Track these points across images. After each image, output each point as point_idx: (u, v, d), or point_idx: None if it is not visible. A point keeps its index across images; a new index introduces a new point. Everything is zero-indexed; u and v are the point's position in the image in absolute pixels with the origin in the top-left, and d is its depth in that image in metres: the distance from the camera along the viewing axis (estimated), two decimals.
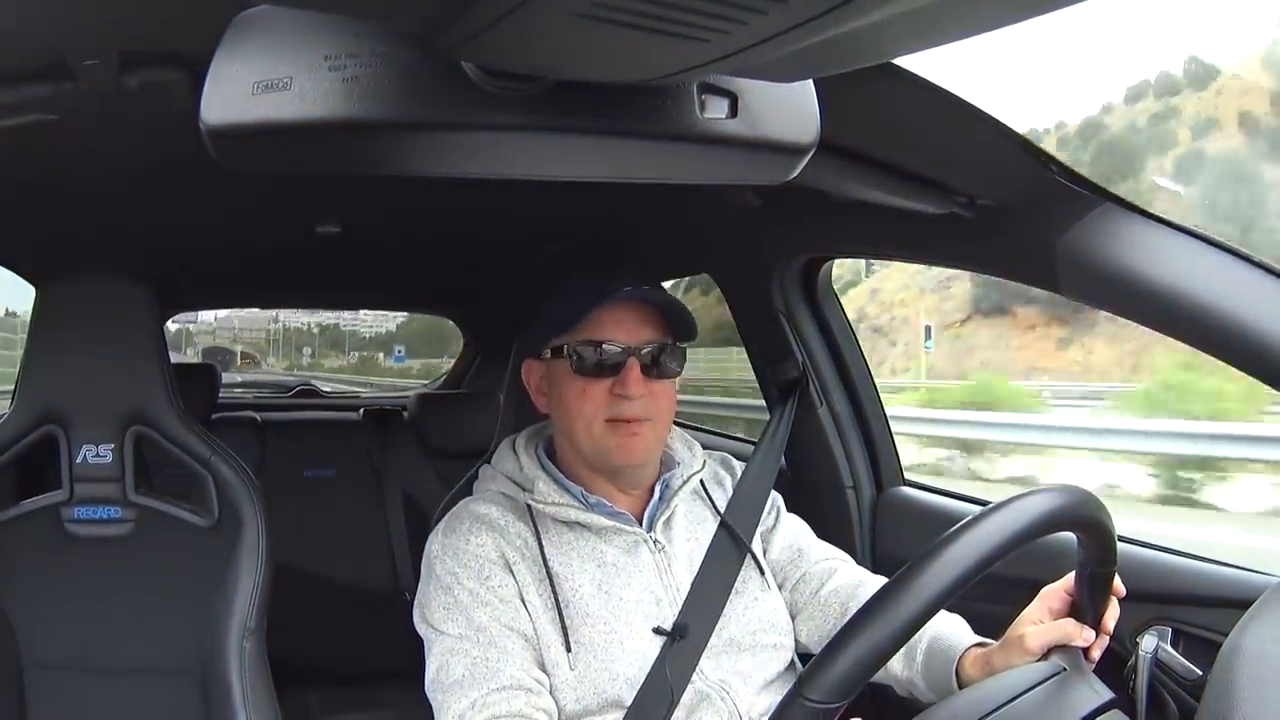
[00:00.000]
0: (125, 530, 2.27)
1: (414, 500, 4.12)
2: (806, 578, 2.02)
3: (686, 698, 1.77)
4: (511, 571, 1.78)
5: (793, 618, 1.99)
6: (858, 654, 1.25)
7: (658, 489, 1.93)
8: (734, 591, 1.90)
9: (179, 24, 1.22)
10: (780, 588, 2.02)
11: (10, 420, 2.24)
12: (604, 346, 1.81)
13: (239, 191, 2.39)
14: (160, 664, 2.23)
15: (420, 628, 1.80)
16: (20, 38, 1.29)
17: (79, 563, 2.24)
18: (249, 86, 0.99)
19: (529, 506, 1.85)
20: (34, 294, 2.42)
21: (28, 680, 2.19)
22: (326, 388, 6.58)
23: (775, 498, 2.13)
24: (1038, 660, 1.55)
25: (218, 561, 2.23)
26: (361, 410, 4.58)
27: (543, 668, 1.75)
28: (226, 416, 4.17)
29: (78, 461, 2.24)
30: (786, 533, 2.09)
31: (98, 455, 2.24)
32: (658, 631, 1.80)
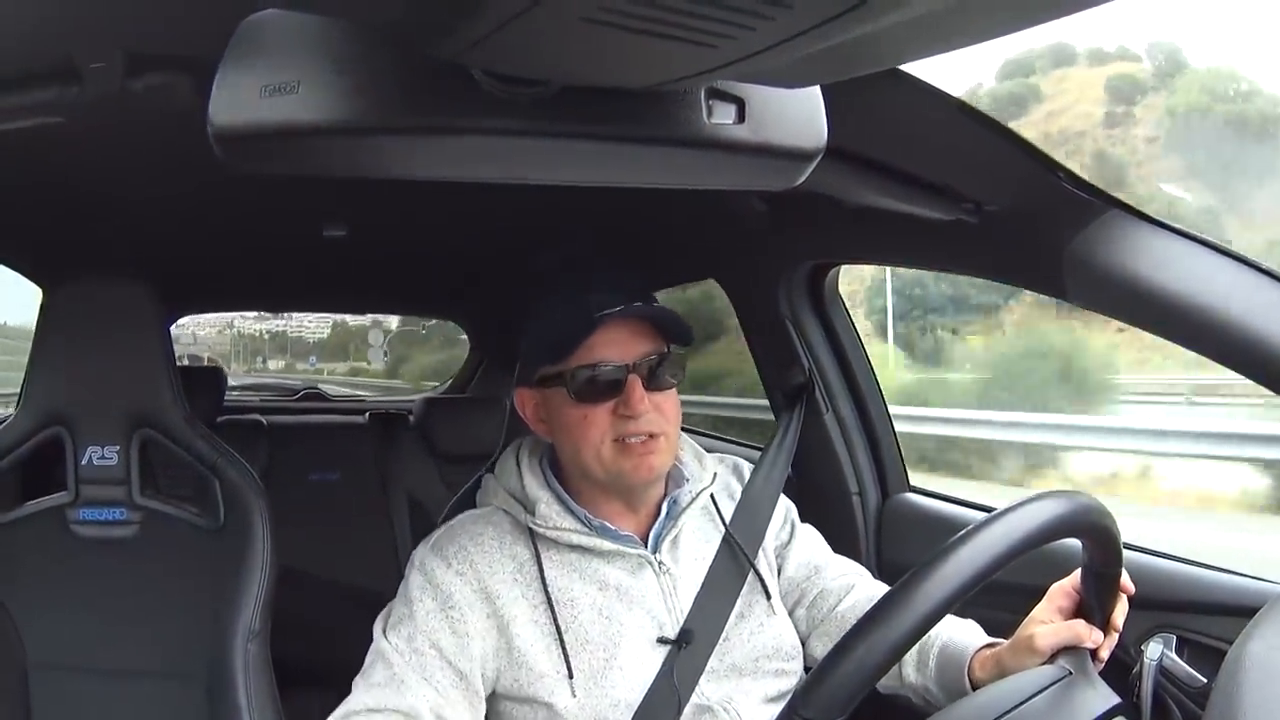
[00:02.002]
0: (130, 532, 2.26)
1: (419, 504, 4.12)
2: (824, 594, 1.98)
3: (687, 712, 1.75)
4: (491, 604, 1.74)
5: (808, 634, 1.96)
6: (854, 668, 1.24)
7: (664, 506, 1.88)
8: (739, 615, 1.87)
9: (185, 27, 1.22)
10: (797, 604, 1.99)
11: (16, 422, 2.25)
12: (601, 368, 1.75)
13: (245, 194, 2.39)
14: (165, 666, 2.23)
15: (375, 624, 1.77)
16: (27, 41, 1.29)
17: (84, 564, 2.24)
18: (257, 89, 0.99)
19: (530, 529, 1.81)
20: (38, 300, 2.42)
21: (33, 681, 2.19)
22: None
23: (789, 510, 2.09)
24: (1046, 661, 1.55)
25: (223, 564, 2.23)
26: (367, 414, 4.58)
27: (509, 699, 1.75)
28: (232, 420, 4.17)
29: (83, 463, 2.24)
30: (802, 548, 2.05)
31: (103, 457, 2.24)
32: (662, 641, 1.78)
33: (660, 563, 1.83)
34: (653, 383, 1.76)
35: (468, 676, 1.71)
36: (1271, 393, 1.56)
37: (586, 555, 1.80)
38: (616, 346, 1.75)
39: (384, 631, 1.75)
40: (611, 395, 1.75)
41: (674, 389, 1.81)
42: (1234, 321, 1.55)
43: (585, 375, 1.75)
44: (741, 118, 1.12)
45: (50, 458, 2.27)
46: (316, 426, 4.63)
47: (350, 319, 18.48)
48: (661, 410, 1.77)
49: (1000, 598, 1.57)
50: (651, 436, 1.76)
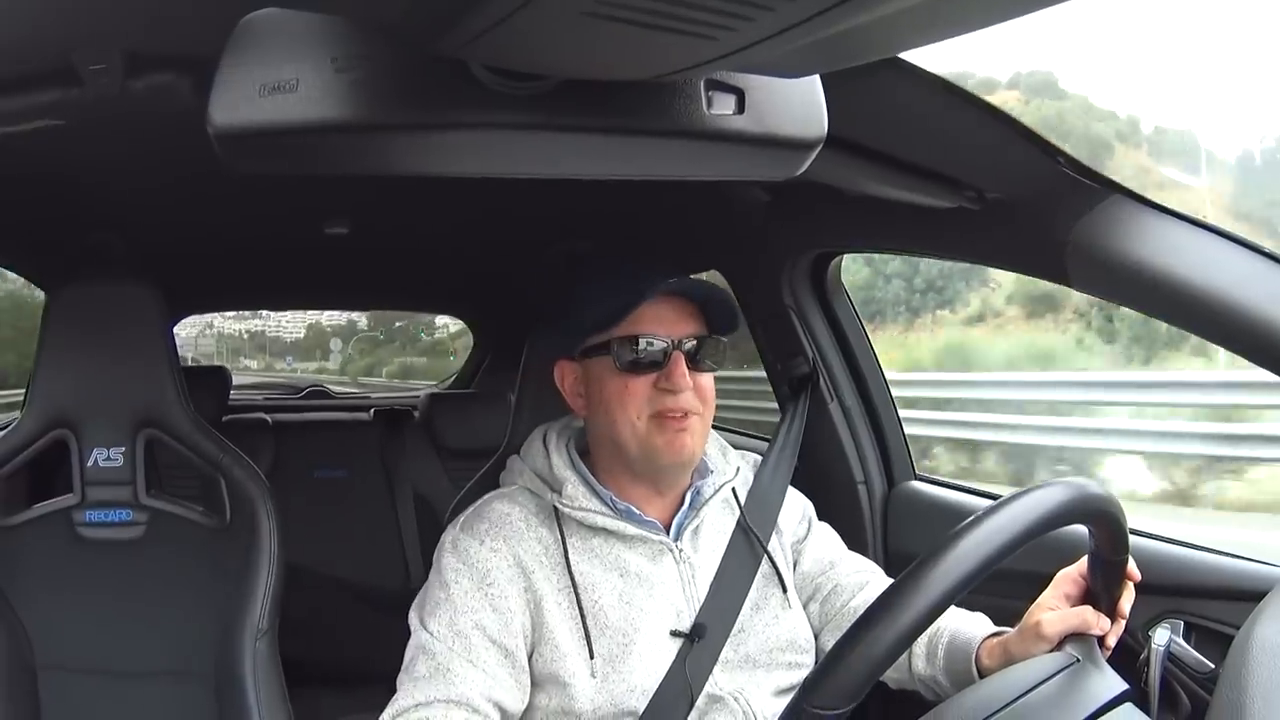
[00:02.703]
0: (137, 533, 2.27)
1: (425, 500, 4.13)
2: (838, 589, 1.99)
3: (700, 702, 1.76)
4: (526, 579, 1.77)
5: (821, 628, 1.97)
6: (862, 657, 1.23)
7: (688, 497, 1.90)
8: (754, 607, 1.88)
9: (184, 27, 1.22)
10: (810, 598, 2.00)
11: (22, 425, 2.24)
12: (646, 341, 1.78)
13: (247, 193, 2.39)
14: (173, 665, 2.23)
15: (411, 616, 1.79)
16: (27, 44, 1.29)
17: (91, 566, 2.24)
18: (256, 89, 0.99)
19: (555, 509, 1.83)
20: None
21: (41, 683, 2.20)
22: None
23: (807, 507, 2.11)
24: (1054, 648, 1.55)
25: (230, 563, 2.24)
26: (372, 410, 4.58)
27: (535, 683, 1.76)
28: (237, 418, 4.17)
29: (89, 465, 2.24)
30: (819, 544, 2.06)
31: (109, 459, 2.24)
32: (675, 634, 1.79)
33: (680, 550, 1.85)
34: (694, 363, 1.80)
35: (513, 654, 1.73)
36: (1277, 377, 1.56)
37: (609, 540, 1.82)
38: (664, 323, 1.80)
39: (422, 621, 1.76)
40: (654, 369, 1.79)
41: (712, 374, 1.84)
42: (1238, 306, 1.54)
43: (631, 346, 1.78)
44: (741, 108, 1.12)
45: (56, 460, 2.28)
46: (322, 424, 4.62)
47: (325, 322, 19.31)
48: (699, 391, 1.80)
49: (1008, 585, 1.57)
50: (687, 415, 1.78)
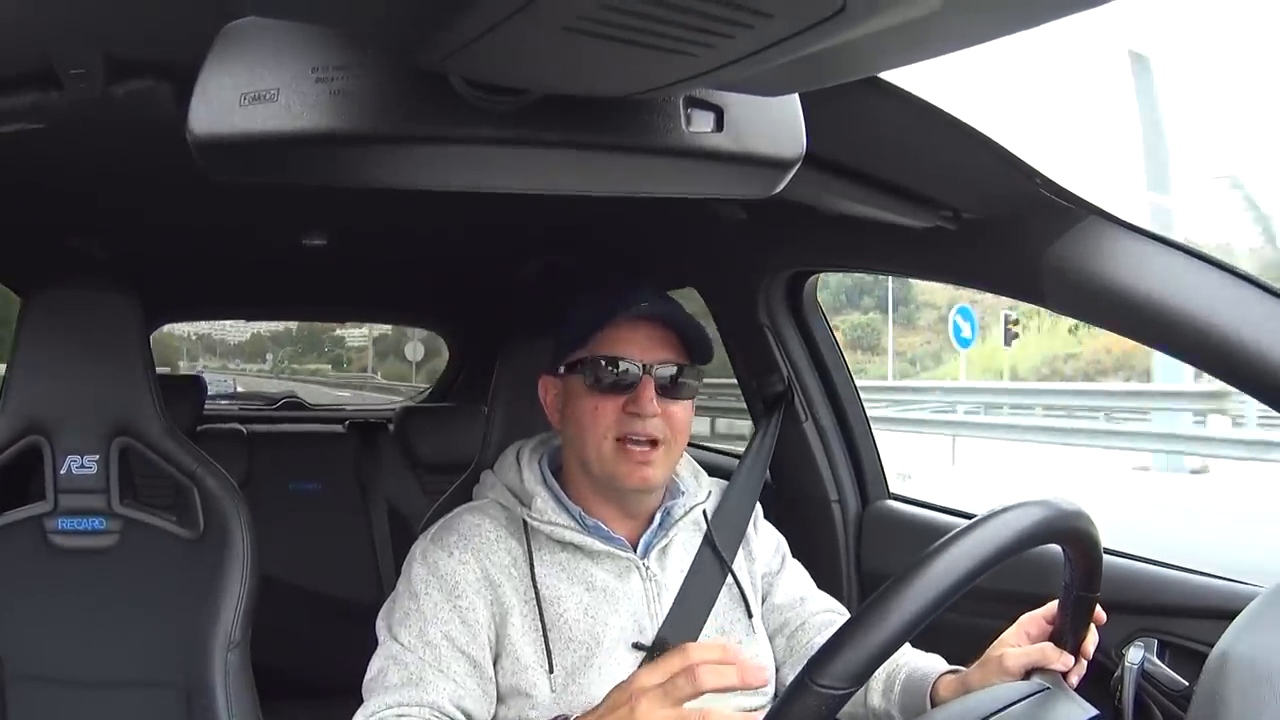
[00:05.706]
0: (110, 542, 2.25)
1: (399, 513, 4.12)
2: (805, 627, 2.00)
3: None
4: (493, 591, 1.77)
5: (783, 662, 1.98)
6: (876, 639, 1.21)
7: (658, 516, 1.90)
8: (720, 631, 1.88)
9: (166, 34, 1.22)
10: (778, 631, 2.01)
11: None
12: (619, 363, 1.78)
13: (226, 202, 2.39)
14: (145, 676, 2.22)
15: (379, 626, 1.79)
16: (7, 46, 1.29)
17: (63, 574, 2.23)
18: (236, 97, 0.99)
19: (525, 522, 1.83)
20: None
21: (11, 692, 2.18)
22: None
23: (780, 542, 2.11)
24: (1018, 680, 1.55)
25: (203, 573, 2.23)
26: (346, 422, 4.57)
27: (505, 694, 1.76)
28: (212, 428, 4.16)
29: (62, 472, 2.22)
30: (791, 580, 2.07)
31: (82, 466, 2.23)
32: (637, 647, 1.80)
33: (647, 568, 1.85)
34: (666, 390, 1.80)
35: (480, 665, 1.73)
36: (1250, 396, 1.57)
37: (576, 555, 1.82)
38: (638, 346, 1.80)
39: (391, 632, 1.76)
40: (624, 391, 1.79)
41: (687, 402, 1.84)
42: (1212, 326, 1.55)
43: (602, 365, 1.79)
44: (720, 126, 1.11)
45: (28, 467, 2.26)
46: (296, 435, 4.60)
47: (265, 331, 21.01)
48: (670, 419, 1.80)
49: (984, 605, 1.58)
50: (654, 445, 1.79)
